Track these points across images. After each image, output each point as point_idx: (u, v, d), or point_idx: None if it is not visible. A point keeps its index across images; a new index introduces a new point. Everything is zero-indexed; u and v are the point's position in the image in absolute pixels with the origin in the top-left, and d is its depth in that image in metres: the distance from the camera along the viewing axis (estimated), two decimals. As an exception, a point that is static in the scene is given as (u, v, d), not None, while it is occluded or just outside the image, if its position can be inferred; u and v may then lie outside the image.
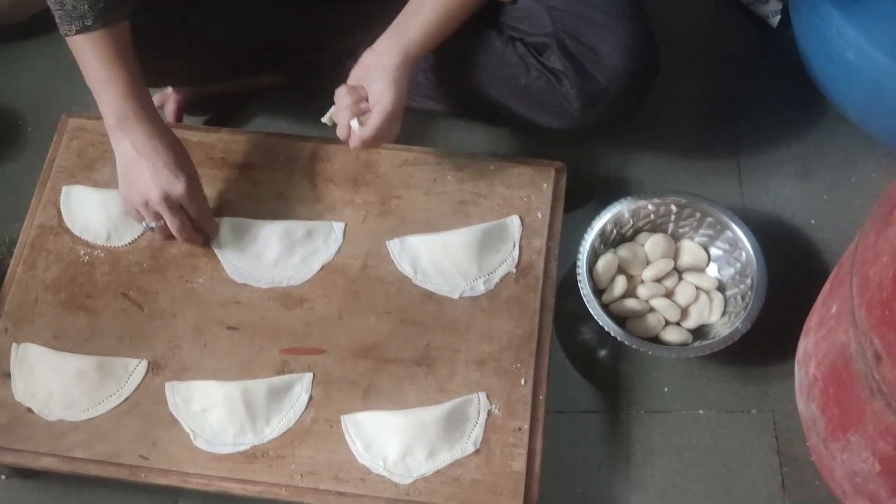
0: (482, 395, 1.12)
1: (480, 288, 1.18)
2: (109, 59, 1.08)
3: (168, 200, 1.12)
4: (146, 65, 1.15)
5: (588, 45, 1.19)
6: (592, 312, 1.21)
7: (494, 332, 1.16)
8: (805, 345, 1.13)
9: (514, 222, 1.22)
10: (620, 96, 1.21)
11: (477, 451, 1.09)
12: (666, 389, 1.27)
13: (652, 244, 1.30)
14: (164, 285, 1.19)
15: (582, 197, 1.37)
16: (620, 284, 1.26)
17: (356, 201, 1.25)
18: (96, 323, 1.17)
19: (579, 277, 1.23)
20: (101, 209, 1.23)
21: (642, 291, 1.26)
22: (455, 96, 1.34)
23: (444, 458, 1.09)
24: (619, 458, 1.23)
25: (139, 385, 1.13)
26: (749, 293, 1.22)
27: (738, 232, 1.25)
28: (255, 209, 1.24)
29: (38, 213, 1.25)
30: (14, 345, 1.16)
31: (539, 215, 1.23)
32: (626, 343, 1.20)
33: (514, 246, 1.21)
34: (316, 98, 1.43)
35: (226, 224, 1.22)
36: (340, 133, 1.13)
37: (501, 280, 1.19)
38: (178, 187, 1.11)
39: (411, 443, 1.08)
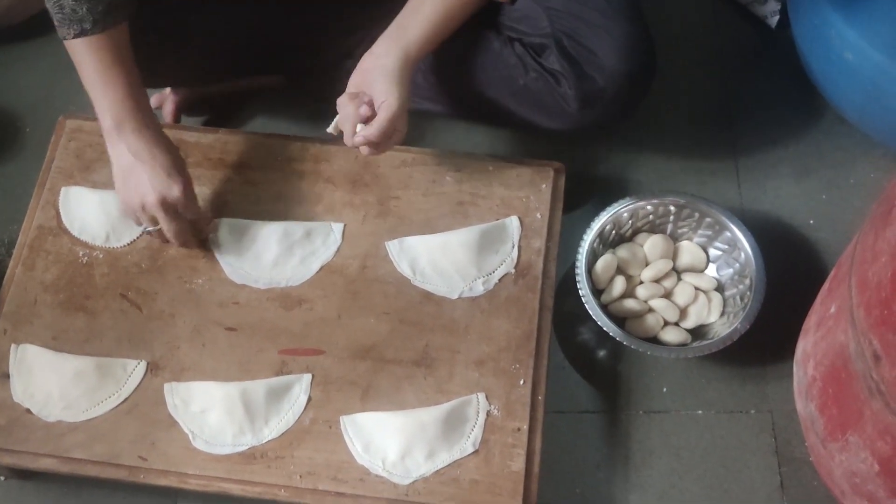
0: (481, 396, 1.12)
1: (479, 288, 1.18)
2: (107, 63, 1.08)
3: (164, 204, 1.12)
4: (144, 66, 1.15)
5: (586, 46, 1.19)
6: (591, 313, 1.21)
7: (493, 333, 1.16)
8: (804, 345, 1.14)
9: (512, 223, 1.23)
10: (618, 97, 1.21)
11: (476, 452, 1.09)
12: (665, 390, 1.27)
13: (651, 245, 1.30)
14: (162, 286, 1.19)
15: (581, 197, 1.37)
16: (619, 285, 1.26)
17: (355, 202, 1.25)
18: (95, 324, 1.17)
19: (578, 278, 1.23)
20: (99, 210, 1.23)
21: (641, 292, 1.27)
22: (454, 97, 1.34)
23: (443, 458, 1.09)
24: (618, 458, 1.23)
25: (138, 386, 1.13)
26: (748, 293, 1.22)
27: (737, 232, 1.25)
28: (253, 210, 1.24)
29: (36, 214, 1.25)
30: (13, 346, 1.16)
31: (538, 216, 1.23)
32: (624, 343, 1.20)
33: (513, 246, 1.21)
34: (314, 99, 1.43)
35: (224, 225, 1.22)
36: (348, 141, 1.12)
37: (500, 281, 1.19)
38: (174, 191, 1.11)
39: (410, 443, 1.08)
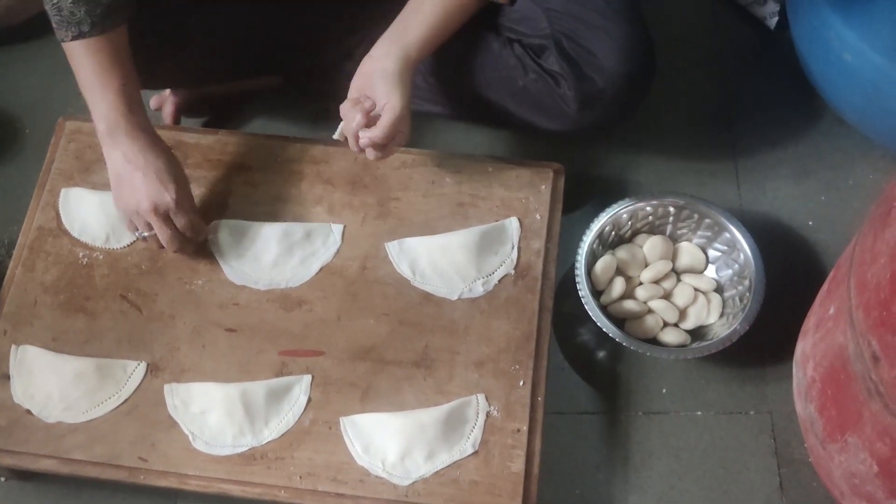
0: (481, 397, 1.12)
1: (479, 289, 1.18)
2: (104, 66, 1.08)
3: (157, 211, 1.12)
4: (144, 68, 1.15)
5: (585, 47, 1.19)
6: (591, 314, 1.21)
7: (493, 334, 1.16)
8: (803, 346, 1.14)
9: (512, 224, 1.23)
10: (617, 98, 1.21)
11: (476, 453, 1.09)
12: (664, 391, 1.27)
13: (650, 246, 1.30)
14: (162, 287, 1.19)
15: (580, 198, 1.37)
16: (619, 286, 1.26)
17: (355, 203, 1.25)
18: (95, 325, 1.17)
19: (578, 279, 1.23)
20: (99, 211, 1.23)
21: (641, 293, 1.27)
22: (453, 98, 1.34)
23: (443, 459, 1.09)
24: (618, 459, 1.23)
25: (138, 387, 1.13)
26: (747, 294, 1.22)
27: (736, 233, 1.25)
28: (253, 211, 1.24)
29: (36, 215, 1.25)
30: (13, 347, 1.16)
31: (537, 217, 1.23)
32: (624, 344, 1.20)
33: (513, 247, 1.21)
34: (314, 99, 1.44)
35: (224, 226, 1.22)
36: (353, 146, 1.12)
37: (500, 282, 1.19)
38: (166, 198, 1.11)
39: (410, 444, 1.08)
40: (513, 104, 1.28)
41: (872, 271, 0.88)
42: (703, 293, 1.28)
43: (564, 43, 1.21)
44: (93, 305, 1.18)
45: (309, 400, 1.12)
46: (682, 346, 1.23)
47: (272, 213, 1.24)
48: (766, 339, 1.25)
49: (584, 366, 1.29)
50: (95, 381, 1.13)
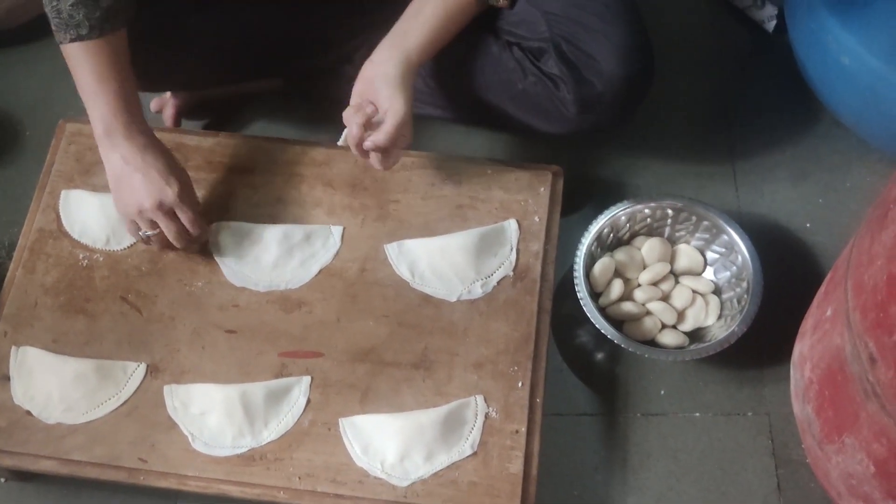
0: (480, 398, 1.12)
1: (478, 291, 1.19)
2: (102, 69, 1.08)
3: (162, 208, 1.12)
4: (144, 70, 1.15)
5: (584, 51, 1.20)
6: (589, 316, 1.22)
7: (492, 336, 1.16)
8: (800, 348, 1.14)
9: (511, 226, 1.23)
10: (616, 101, 1.21)
11: (474, 454, 1.09)
12: (662, 392, 1.27)
13: (648, 248, 1.30)
14: (162, 289, 1.20)
15: (579, 201, 1.38)
16: (617, 288, 1.26)
17: (354, 205, 1.25)
18: (95, 326, 1.18)
19: (576, 281, 1.24)
20: (99, 213, 1.23)
21: (639, 295, 1.27)
22: (453, 101, 1.35)
23: (442, 460, 1.09)
24: (616, 460, 1.23)
25: (138, 388, 1.14)
26: (745, 296, 1.22)
27: (734, 236, 1.25)
28: (253, 213, 1.24)
29: (37, 217, 1.25)
30: (13, 348, 1.16)
31: (536, 219, 1.24)
32: (622, 346, 1.21)
33: (512, 249, 1.21)
34: (315, 102, 1.44)
35: (224, 228, 1.23)
36: (356, 152, 1.12)
37: (499, 283, 1.19)
38: (168, 193, 1.11)
39: (409, 445, 1.09)
40: (512, 107, 1.28)
41: (869, 273, 0.88)
42: (702, 295, 1.28)
43: (563, 46, 1.21)
44: (93, 307, 1.19)
45: (308, 401, 1.12)
46: (681, 347, 1.24)
47: (272, 214, 1.24)
48: (763, 341, 1.25)
49: (582, 367, 1.29)
50: (95, 382, 1.13)
